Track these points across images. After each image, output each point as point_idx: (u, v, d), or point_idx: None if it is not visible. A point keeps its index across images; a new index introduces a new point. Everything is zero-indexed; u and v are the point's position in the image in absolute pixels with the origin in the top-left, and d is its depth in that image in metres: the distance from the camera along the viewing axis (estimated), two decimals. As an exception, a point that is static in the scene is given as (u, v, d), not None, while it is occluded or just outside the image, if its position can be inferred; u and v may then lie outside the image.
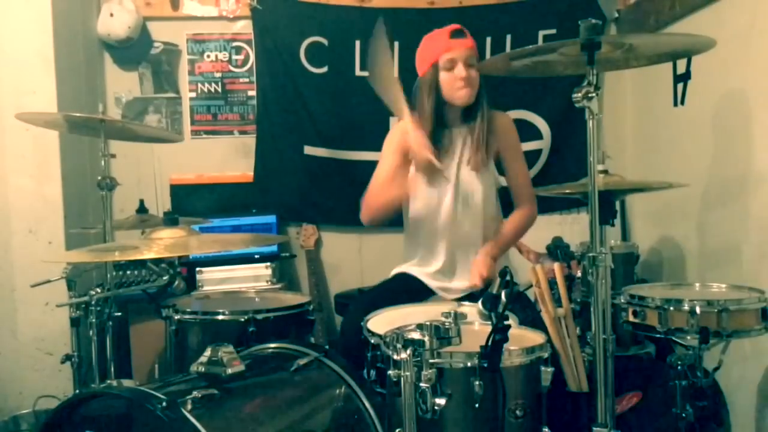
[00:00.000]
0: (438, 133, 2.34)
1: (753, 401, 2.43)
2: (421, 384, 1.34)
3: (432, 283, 2.40)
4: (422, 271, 2.41)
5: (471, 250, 2.37)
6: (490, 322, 1.45)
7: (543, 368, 1.55)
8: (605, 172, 2.16)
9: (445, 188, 2.35)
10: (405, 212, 2.47)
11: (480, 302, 1.52)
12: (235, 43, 3.55)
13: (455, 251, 2.39)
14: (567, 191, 2.27)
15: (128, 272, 2.82)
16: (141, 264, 2.79)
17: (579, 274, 2.35)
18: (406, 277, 2.43)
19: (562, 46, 1.68)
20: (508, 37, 3.52)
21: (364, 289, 3.20)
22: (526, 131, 3.59)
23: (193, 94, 3.55)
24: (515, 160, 2.42)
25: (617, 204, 2.03)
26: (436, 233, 2.38)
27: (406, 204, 2.43)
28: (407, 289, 2.36)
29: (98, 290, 2.15)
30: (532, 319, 1.94)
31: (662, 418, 2.03)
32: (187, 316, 2.15)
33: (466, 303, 1.98)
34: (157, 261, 2.16)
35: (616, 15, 3.52)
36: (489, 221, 2.40)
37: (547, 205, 3.56)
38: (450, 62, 2.29)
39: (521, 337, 1.66)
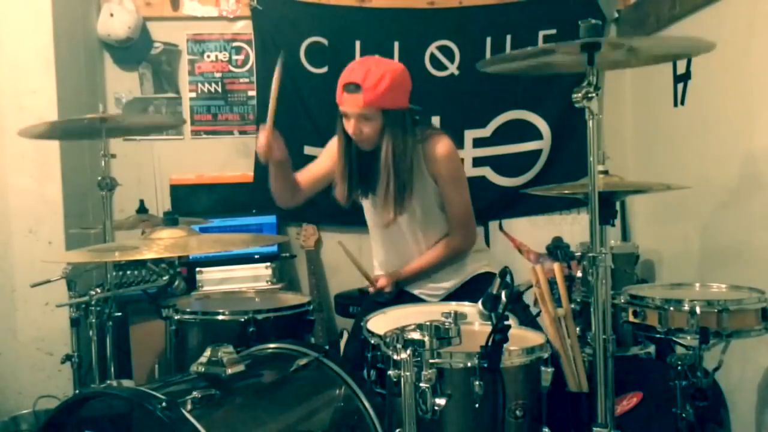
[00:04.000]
0: (367, 157, 2.30)
1: (753, 401, 2.43)
2: (421, 384, 1.34)
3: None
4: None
5: (403, 259, 2.43)
6: (490, 323, 1.45)
7: (543, 368, 1.55)
8: (605, 172, 2.15)
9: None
10: None
11: (480, 302, 1.53)
12: (235, 43, 3.55)
13: (391, 261, 2.47)
14: (567, 191, 2.27)
15: (128, 272, 2.81)
16: (141, 264, 2.79)
17: (579, 274, 2.35)
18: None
19: (563, 46, 1.67)
20: (508, 37, 3.52)
21: (364, 290, 3.20)
22: (526, 131, 3.59)
23: (193, 94, 3.55)
24: (448, 189, 2.32)
25: (617, 204, 2.02)
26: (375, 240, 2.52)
27: None
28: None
29: (98, 290, 2.15)
30: (529, 322, 1.94)
31: (662, 418, 2.03)
32: (187, 316, 2.15)
33: (466, 303, 1.98)
34: (157, 261, 2.17)
35: (616, 15, 3.52)
36: (419, 238, 2.39)
37: (547, 205, 3.57)
38: (344, 113, 2.24)
39: (521, 337, 1.66)
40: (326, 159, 2.48)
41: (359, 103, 2.15)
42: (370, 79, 2.12)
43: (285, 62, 2.29)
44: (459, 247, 2.38)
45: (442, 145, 2.28)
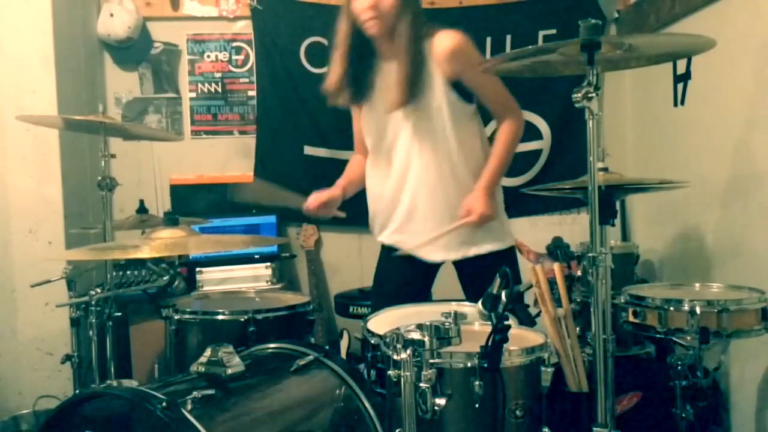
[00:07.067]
0: (365, 67, 2.15)
1: (753, 401, 2.43)
2: (421, 384, 1.34)
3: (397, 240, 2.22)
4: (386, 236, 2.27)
5: (423, 196, 2.14)
6: (490, 323, 1.45)
7: (543, 368, 1.55)
8: (605, 169, 2.16)
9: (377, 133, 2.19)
10: None
11: (480, 302, 1.53)
12: (235, 43, 3.55)
13: (409, 200, 2.16)
14: (567, 188, 2.27)
15: (128, 272, 2.82)
16: (141, 264, 2.79)
17: (579, 274, 2.35)
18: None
19: (562, 46, 1.67)
20: (508, 37, 3.52)
21: (365, 290, 3.20)
22: (526, 131, 3.57)
23: (193, 94, 3.55)
24: (477, 80, 2.10)
25: (617, 204, 2.03)
26: (378, 190, 2.25)
27: None
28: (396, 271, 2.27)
29: (98, 290, 2.16)
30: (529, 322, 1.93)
31: (662, 418, 2.03)
32: (187, 316, 2.15)
33: (466, 303, 1.98)
34: (157, 261, 2.17)
35: (616, 15, 3.52)
36: (440, 160, 2.12)
37: (547, 205, 3.57)
38: None
39: (521, 337, 1.66)
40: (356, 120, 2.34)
41: None
42: None
43: None
44: (517, 127, 2.20)
45: (450, 37, 2.04)
